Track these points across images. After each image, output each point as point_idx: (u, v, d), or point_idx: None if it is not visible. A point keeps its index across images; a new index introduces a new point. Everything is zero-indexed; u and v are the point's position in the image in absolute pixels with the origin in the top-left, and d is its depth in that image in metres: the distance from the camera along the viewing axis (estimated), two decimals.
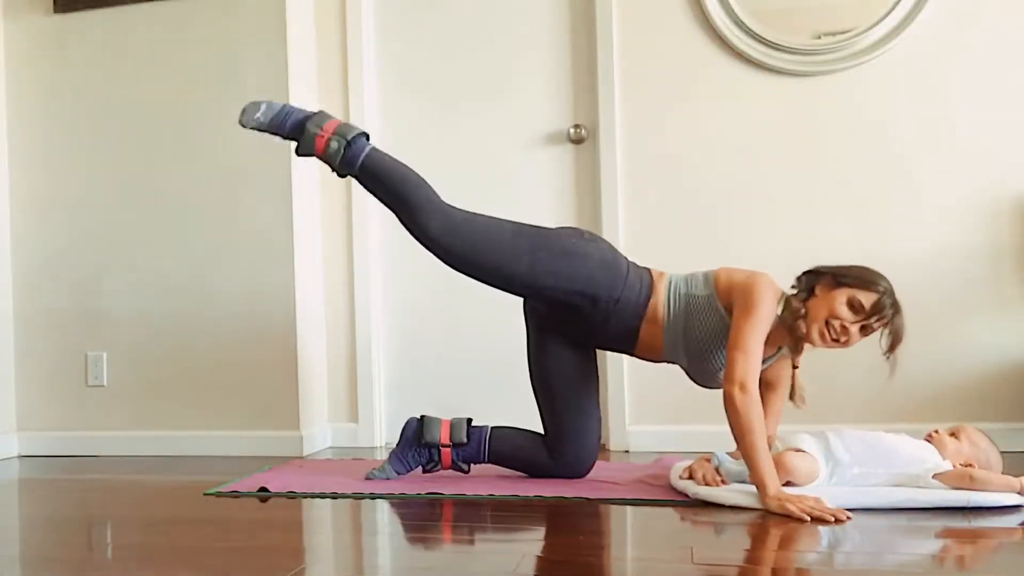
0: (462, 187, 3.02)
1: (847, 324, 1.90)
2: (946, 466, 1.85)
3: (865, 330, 1.92)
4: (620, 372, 2.80)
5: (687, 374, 2.16)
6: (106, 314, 3.04)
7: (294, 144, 2.15)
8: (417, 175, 2.14)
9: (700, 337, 2.04)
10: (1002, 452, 1.96)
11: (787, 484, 1.87)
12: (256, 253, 2.92)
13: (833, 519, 1.63)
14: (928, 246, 2.64)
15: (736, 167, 2.77)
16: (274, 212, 2.91)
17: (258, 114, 2.13)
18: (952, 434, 1.93)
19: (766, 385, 2.12)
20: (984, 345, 2.60)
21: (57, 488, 2.43)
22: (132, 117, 3.04)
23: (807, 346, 2.00)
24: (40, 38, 3.11)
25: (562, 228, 2.22)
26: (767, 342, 1.96)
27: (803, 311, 1.95)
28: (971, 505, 1.76)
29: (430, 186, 2.14)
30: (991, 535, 1.60)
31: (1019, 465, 2.15)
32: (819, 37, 2.71)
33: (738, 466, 1.93)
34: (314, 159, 2.16)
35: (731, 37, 2.75)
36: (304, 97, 2.99)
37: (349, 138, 2.09)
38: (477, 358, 3.00)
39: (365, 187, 2.16)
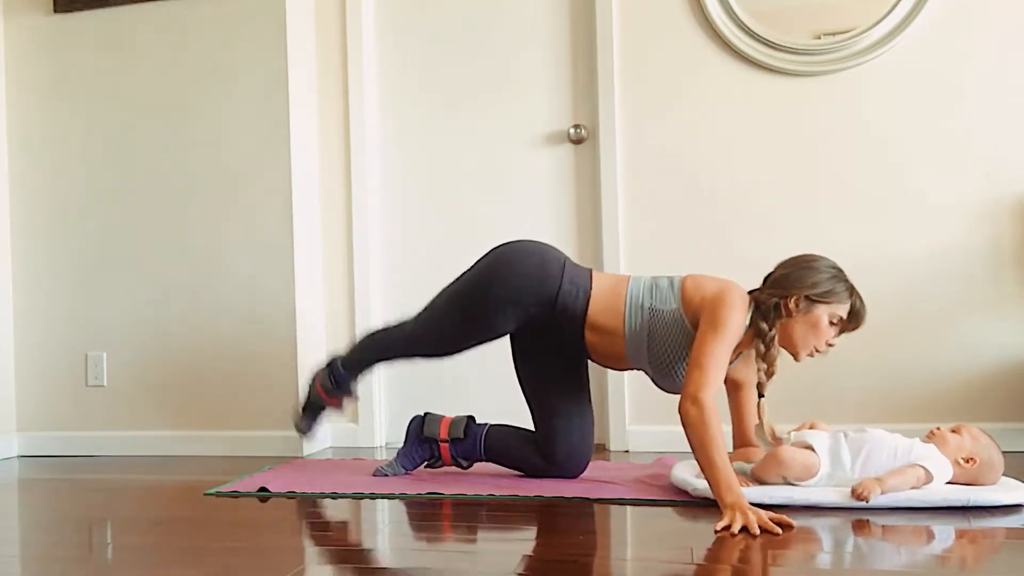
0: (462, 187, 3.02)
1: (832, 341, 1.98)
2: (942, 464, 1.85)
3: (841, 333, 2.00)
4: (620, 372, 2.80)
5: (652, 381, 2.14)
6: (106, 314, 3.05)
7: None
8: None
9: (664, 351, 2.01)
10: (1003, 452, 1.95)
11: (787, 482, 1.87)
12: (256, 253, 2.92)
13: (780, 531, 1.61)
14: (928, 246, 2.64)
15: (736, 167, 2.77)
16: (274, 212, 2.91)
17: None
18: (953, 431, 1.93)
19: (734, 385, 2.13)
20: (984, 345, 2.60)
21: (57, 488, 2.43)
22: (132, 117, 3.04)
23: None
24: (40, 38, 3.11)
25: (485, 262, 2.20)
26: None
27: (773, 334, 1.93)
28: (971, 505, 1.76)
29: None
30: (991, 535, 1.60)
31: (1019, 465, 2.15)
32: (819, 37, 2.71)
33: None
34: None
35: (731, 37, 2.75)
36: (304, 97, 2.99)
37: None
38: (477, 358, 2.98)
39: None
